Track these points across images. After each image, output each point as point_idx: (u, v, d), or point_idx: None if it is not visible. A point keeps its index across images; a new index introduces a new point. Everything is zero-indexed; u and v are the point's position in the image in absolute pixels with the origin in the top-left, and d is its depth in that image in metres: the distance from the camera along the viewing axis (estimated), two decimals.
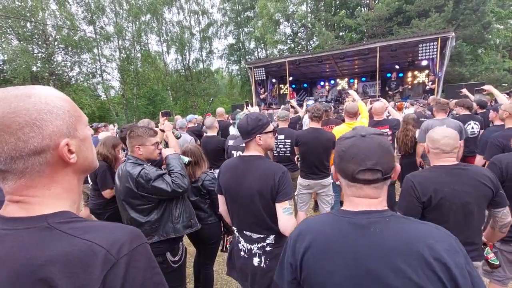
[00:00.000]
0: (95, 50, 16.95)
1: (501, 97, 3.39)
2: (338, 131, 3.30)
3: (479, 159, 3.02)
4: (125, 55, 18.38)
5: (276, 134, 3.51)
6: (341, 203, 4.23)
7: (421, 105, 6.74)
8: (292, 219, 1.45)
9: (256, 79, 12.05)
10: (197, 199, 2.25)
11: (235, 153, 3.25)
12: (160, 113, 3.17)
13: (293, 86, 14.30)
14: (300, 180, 3.15)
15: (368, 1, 16.83)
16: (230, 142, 3.27)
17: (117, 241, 0.53)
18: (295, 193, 3.30)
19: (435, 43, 8.82)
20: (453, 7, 13.56)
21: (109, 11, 17.49)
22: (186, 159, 2.11)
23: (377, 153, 0.76)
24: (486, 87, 3.72)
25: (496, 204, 1.50)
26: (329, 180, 3.09)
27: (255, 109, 5.87)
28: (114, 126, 7.48)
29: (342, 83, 13.80)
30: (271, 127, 1.58)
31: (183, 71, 23.71)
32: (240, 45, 25.05)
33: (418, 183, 1.53)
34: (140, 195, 1.72)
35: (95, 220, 0.58)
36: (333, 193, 3.20)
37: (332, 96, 12.99)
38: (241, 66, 24.38)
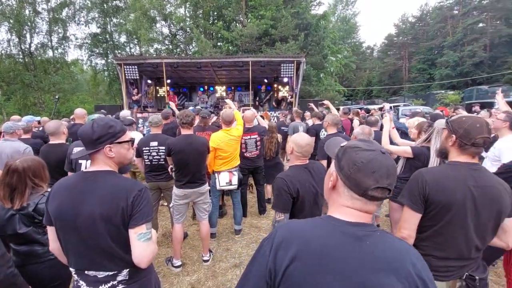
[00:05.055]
0: None
1: (334, 110, 4.77)
2: (216, 137, 3.37)
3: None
4: None
5: (148, 141, 3.19)
6: (221, 206, 4.32)
7: (283, 115, 8.08)
8: (150, 246, 1.20)
9: (127, 77, 10.66)
10: (30, 229, 1.67)
11: (87, 164, 2.62)
12: None
13: (172, 89, 13.70)
14: (175, 191, 2.96)
15: (242, 19, 18.49)
16: (75, 150, 2.59)
17: None
18: (171, 204, 3.08)
19: (292, 64, 10.71)
20: (304, 38, 17.22)
21: None
22: None
23: (394, 174, 0.76)
24: (325, 102, 5.17)
25: None
26: (206, 187, 3.07)
27: (126, 113, 5.20)
28: None
29: (221, 91, 14.43)
30: (127, 136, 1.32)
31: (21, 57, 18.11)
32: (108, 36, 21.77)
33: (289, 181, 1.80)
34: None
35: None
36: (209, 200, 3.21)
37: (211, 102, 13.34)
38: (109, 61, 21.18)
